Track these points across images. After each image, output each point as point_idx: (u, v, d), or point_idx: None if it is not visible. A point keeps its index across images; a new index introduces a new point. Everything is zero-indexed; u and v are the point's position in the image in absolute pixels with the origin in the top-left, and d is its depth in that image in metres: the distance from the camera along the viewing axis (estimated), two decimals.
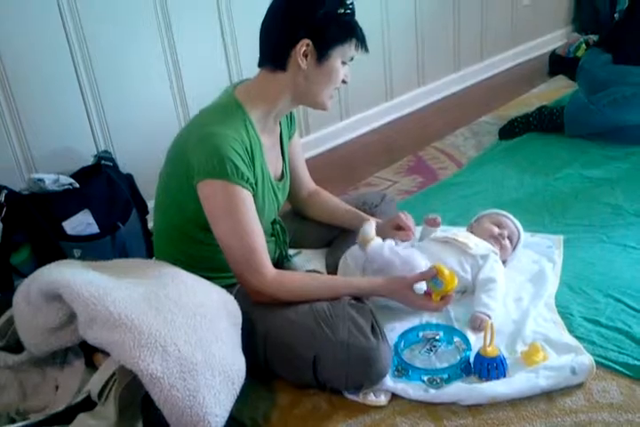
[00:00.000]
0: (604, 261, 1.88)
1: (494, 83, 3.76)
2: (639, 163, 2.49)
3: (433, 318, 1.66)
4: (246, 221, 1.47)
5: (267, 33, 1.53)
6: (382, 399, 1.44)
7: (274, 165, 1.66)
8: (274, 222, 1.72)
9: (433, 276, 1.54)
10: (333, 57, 1.52)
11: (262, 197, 1.58)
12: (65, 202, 1.88)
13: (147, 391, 1.20)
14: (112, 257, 1.82)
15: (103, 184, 1.98)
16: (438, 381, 1.45)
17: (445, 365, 1.51)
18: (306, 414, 1.44)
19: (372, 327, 1.46)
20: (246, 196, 1.48)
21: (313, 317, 1.46)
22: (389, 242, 1.71)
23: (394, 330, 1.60)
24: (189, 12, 2.34)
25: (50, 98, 2.06)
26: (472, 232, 1.88)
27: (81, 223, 1.88)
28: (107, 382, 1.24)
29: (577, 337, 1.56)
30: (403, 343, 1.57)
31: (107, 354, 1.26)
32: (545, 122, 2.83)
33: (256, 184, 1.53)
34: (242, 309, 1.44)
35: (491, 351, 1.46)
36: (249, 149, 1.50)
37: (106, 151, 2.15)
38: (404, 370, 1.49)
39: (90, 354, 1.39)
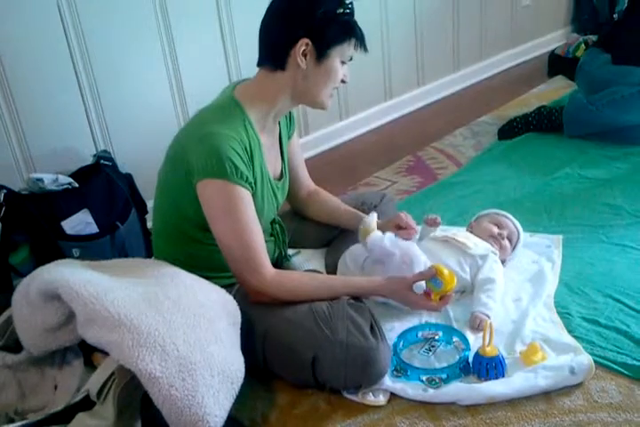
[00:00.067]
0: (603, 261, 1.88)
1: (494, 83, 3.76)
2: (638, 163, 2.49)
3: (432, 318, 1.67)
4: (245, 221, 1.48)
5: (266, 32, 1.53)
6: (381, 399, 1.44)
7: (273, 165, 1.66)
8: (273, 222, 1.72)
9: (432, 276, 1.54)
10: (332, 56, 1.52)
11: (261, 196, 1.58)
12: (64, 201, 1.88)
13: (146, 391, 1.20)
14: (111, 257, 1.83)
15: (102, 184, 1.98)
16: (437, 380, 1.45)
17: (444, 365, 1.51)
18: (305, 413, 1.44)
19: (371, 327, 1.46)
20: (245, 195, 1.48)
21: (312, 317, 1.46)
22: (390, 234, 1.71)
23: (393, 330, 1.60)
24: (189, 11, 2.34)
25: (49, 97, 2.06)
26: (471, 232, 1.88)
27: (80, 223, 1.88)
28: (105, 382, 1.24)
29: (576, 337, 1.56)
30: (402, 343, 1.57)
31: (106, 354, 1.26)
32: (544, 122, 2.83)
33: (255, 184, 1.53)
34: (241, 308, 1.44)
35: (490, 351, 1.46)
36: (248, 148, 1.50)
37: (105, 151, 2.15)
38: (402, 370, 1.49)
39: (89, 354, 1.39)
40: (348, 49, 1.54)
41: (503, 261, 1.84)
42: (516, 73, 3.89)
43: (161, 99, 2.35)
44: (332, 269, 1.82)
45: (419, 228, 1.85)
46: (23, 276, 1.49)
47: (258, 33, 1.54)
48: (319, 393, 1.48)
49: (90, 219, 1.90)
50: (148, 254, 2.00)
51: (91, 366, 1.37)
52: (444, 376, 1.46)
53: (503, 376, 1.45)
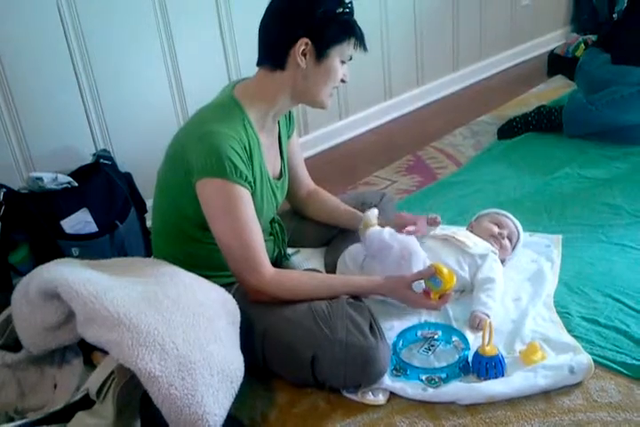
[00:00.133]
0: (603, 261, 1.88)
1: (493, 82, 3.76)
2: (638, 163, 2.50)
3: (432, 317, 1.67)
4: (245, 220, 1.48)
5: (265, 32, 1.53)
6: (380, 398, 1.44)
7: (272, 164, 1.66)
8: (272, 221, 1.72)
9: (431, 274, 1.54)
10: (332, 56, 1.52)
11: (261, 195, 1.58)
12: (63, 201, 1.87)
13: (145, 390, 1.20)
14: (110, 256, 1.82)
15: (102, 183, 1.98)
16: (437, 380, 1.45)
17: (444, 364, 1.51)
18: (304, 412, 1.44)
19: (371, 326, 1.46)
20: (245, 194, 1.48)
21: (311, 316, 1.46)
22: (389, 229, 1.71)
23: (392, 329, 1.60)
24: (188, 10, 2.34)
25: (49, 97, 2.06)
26: (472, 231, 1.88)
27: (79, 222, 1.88)
28: (105, 381, 1.24)
29: (575, 337, 1.56)
30: (401, 342, 1.57)
31: (105, 353, 1.26)
32: (544, 122, 2.83)
33: (254, 183, 1.53)
34: (240, 307, 1.44)
35: (489, 351, 1.46)
36: (247, 147, 1.50)
37: (104, 150, 2.15)
38: (402, 369, 1.49)
39: (88, 353, 1.39)
40: (348, 48, 1.54)
41: (503, 261, 1.84)
42: (515, 73, 3.89)
43: (160, 98, 2.35)
44: (331, 268, 1.82)
45: (428, 229, 1.83)
46: (23, 275, 1.50)
47: (257, 32, 1.54)
48: (318, 392, 1.48)
49: (89, 218, 1.90)
50: (148, 253, 2.00)
51: (90, 365, 1.37)
52: (443, 376, 1.46)
53: (503, 376, 1.45)
